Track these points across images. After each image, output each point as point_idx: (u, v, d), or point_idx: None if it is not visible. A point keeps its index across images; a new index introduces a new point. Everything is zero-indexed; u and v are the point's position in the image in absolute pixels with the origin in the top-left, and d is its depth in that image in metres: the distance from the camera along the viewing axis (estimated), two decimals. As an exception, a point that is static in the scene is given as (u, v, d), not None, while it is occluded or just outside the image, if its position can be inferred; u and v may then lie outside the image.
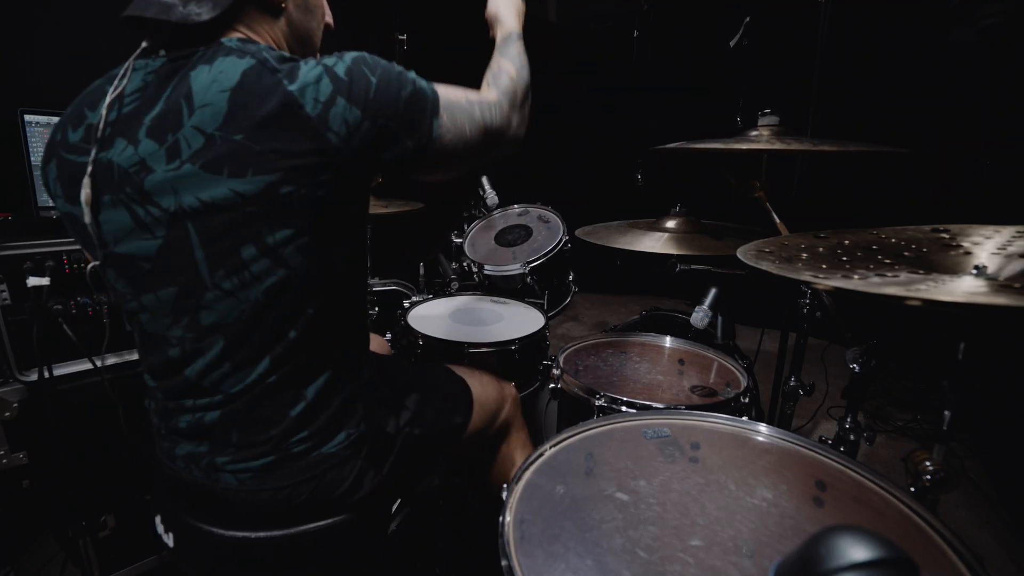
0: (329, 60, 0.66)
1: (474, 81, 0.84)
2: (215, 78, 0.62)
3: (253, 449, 0.72)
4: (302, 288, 0.69)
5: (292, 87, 0.62)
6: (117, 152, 0.65)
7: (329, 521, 0.76)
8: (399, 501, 0.88)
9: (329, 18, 0.87)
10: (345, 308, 0.78)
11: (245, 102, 0.61)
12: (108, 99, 0.67)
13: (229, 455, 0.73)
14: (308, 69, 0.64)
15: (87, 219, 0.67)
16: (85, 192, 0.66)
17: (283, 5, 0.77)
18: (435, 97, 0.72)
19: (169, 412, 0.76)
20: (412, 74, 0.72)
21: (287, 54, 0.68)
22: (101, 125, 0.66)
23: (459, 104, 0.75)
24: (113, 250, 0.68)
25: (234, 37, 0.69)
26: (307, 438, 0.74)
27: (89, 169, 0.66)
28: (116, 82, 0.68)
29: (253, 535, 0.74)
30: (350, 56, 0.68)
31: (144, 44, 0.71)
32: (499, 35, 0.97)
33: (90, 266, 0.73)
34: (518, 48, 0.94)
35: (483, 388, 1.10)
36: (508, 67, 0.88)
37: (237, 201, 0.62)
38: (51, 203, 1.34)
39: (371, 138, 0.66)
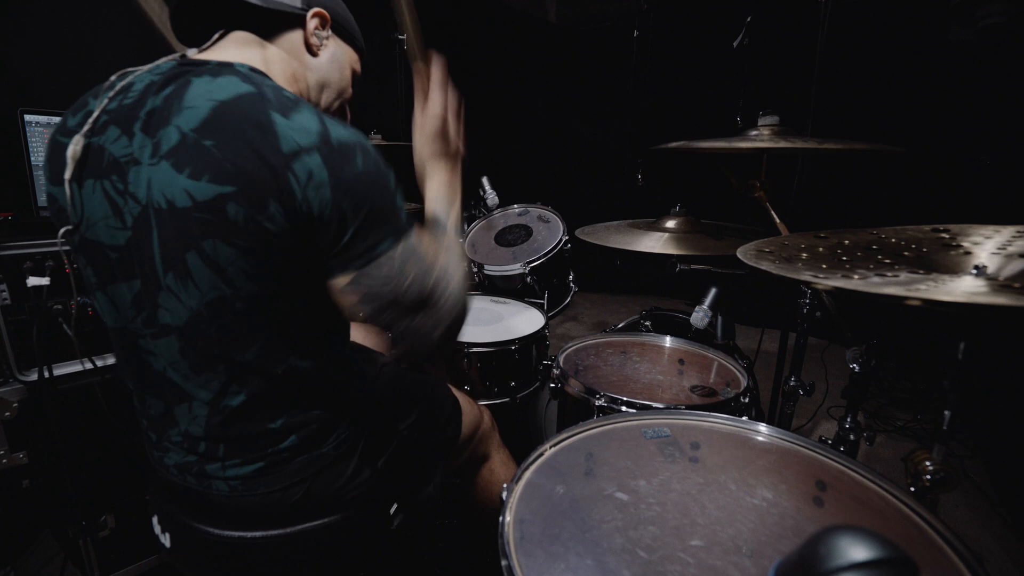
0: (332, 120, 0.64)
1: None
2: (211, 88, 0.62)
3: (241, 458, 0.73)
4: (251, 314, 0.65)
5: (278, 120, 0.60)
6: (110, 140, 0.65)
7: (325, 520, 0.77)
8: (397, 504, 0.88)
9: (348, 95, 0.88)
10: (321, 339, 0.75)
11: (228, 115, 0.60)
12: (114, 91, 0.67)
13: (218, 463, 0.73)
14: (305, 115, 0.62)
15: (66, 200, 0.66)
16: (68, 172, 0.65)
17: (317, 52, 0.80)
18: (408, 227, 0.67)
19: (157, 422, 0.75)
20: (400, 200, 0.67)
21: (292, 95, 0.65)
22: (97, 112, 0.66)
23: (425, 254, 0.68)
24: (84, 235, 0.68)
25: (247, 64, 0.68)
26: (295, 444, 0.74)
27: (72, 150, 0.65)
28: (121, 78, 0.69)
29: (249, 535, 0.74)
30: (355, 132, 0.65)
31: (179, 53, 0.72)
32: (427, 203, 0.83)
33: (62, 230, 0.69)
34: (454, 242, 0.77)
35: (470, 406, 1.10)
36: (456, 264, 0.73)
37: (188, 204, 0.60)
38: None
39: (323, 209, 0.61)
